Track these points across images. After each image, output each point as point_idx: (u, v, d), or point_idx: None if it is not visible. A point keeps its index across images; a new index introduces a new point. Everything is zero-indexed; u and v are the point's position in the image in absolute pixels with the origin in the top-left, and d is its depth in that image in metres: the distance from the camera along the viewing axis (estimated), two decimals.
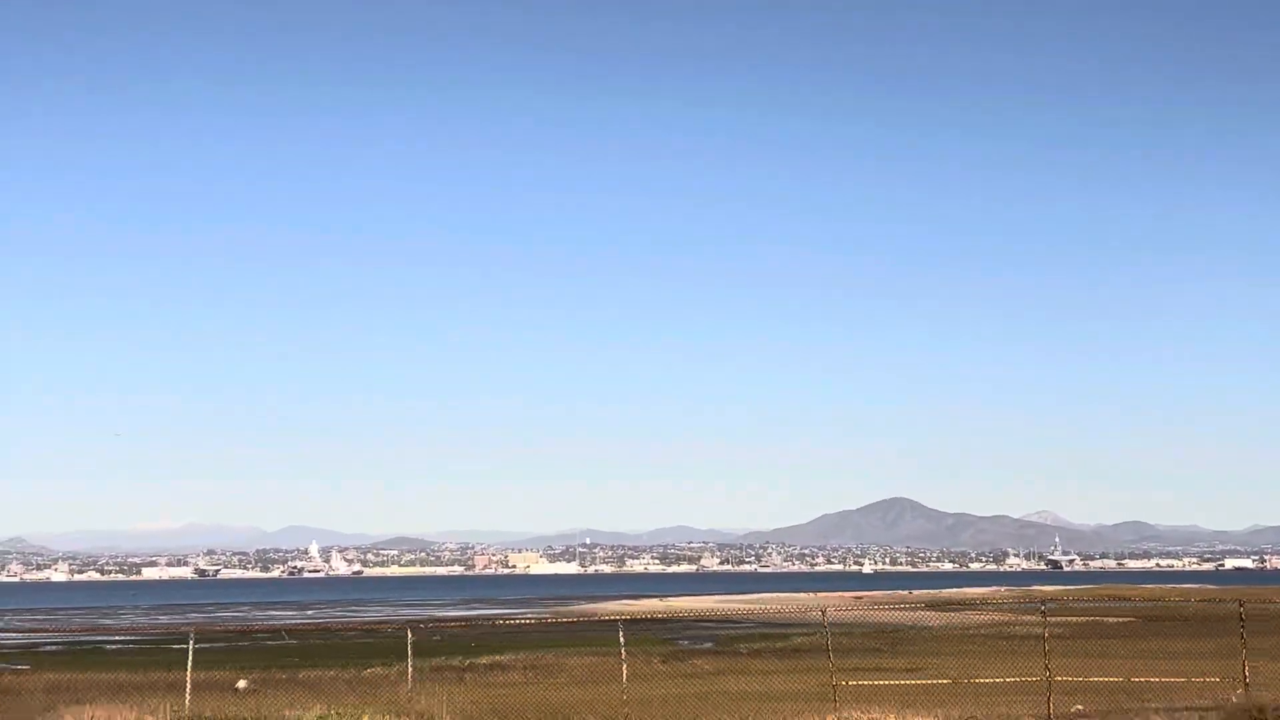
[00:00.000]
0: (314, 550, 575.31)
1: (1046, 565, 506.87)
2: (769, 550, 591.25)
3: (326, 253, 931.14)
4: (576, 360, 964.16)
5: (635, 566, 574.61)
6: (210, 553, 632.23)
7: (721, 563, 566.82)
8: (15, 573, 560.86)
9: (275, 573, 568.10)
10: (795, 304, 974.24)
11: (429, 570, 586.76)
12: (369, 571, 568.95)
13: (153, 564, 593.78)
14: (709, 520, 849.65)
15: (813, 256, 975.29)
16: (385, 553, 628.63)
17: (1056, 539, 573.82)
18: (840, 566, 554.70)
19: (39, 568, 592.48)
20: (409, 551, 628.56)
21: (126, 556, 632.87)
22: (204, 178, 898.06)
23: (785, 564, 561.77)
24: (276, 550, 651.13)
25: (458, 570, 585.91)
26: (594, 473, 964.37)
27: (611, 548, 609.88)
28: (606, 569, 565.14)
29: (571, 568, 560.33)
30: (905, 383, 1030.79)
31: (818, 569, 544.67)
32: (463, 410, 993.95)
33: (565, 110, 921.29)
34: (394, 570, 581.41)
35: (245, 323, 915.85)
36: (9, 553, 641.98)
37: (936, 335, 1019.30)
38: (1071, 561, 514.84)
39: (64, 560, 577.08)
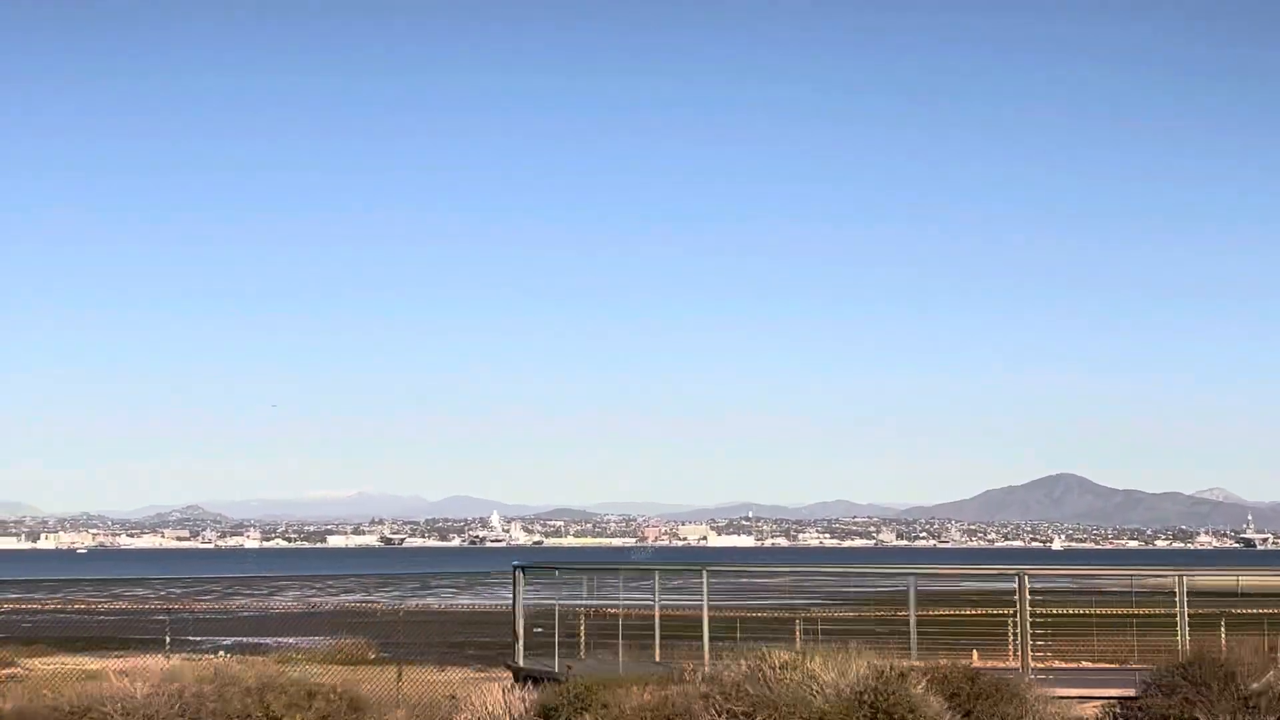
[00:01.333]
0: (495, 520, 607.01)
1: (1240, 544, 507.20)
2: (945, 525, 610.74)
3: (475, 233, 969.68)
4: (727, 336, 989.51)
5: (807, 540, 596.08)
6: (382, 521, 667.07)
7: (897, 538, 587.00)
8: (209, 539, 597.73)
9: (455, 541, 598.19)
10: (952, 275, 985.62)
11: (599, 541, 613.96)
12: (546, 542, 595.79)
13: (333, 532, 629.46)
14: (869, 495, 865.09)
15: (973, 227, 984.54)
16: (552, 523, 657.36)
17: (1249, 516, 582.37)
18: (1019, 543, 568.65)
19: (224, 535, 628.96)
20: (574, 523, 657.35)
21: (303, 524, 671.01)
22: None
23: (963, 540, 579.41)
24: (445, 520, 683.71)
25: (630, 542, 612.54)
26: (752, 447, 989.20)
27: (775, 521, 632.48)
28: (782, 542, 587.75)
29: (744, 540, 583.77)
30: (1069, 356, 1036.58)
31: (997, 545, 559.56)
32: (619, 383, 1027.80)
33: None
34: (568, 541, 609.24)
35: (399, 300, 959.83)
36: (190, 520, 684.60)
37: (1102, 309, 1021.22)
38: (1266, 540, 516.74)
39: (254, 527, 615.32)
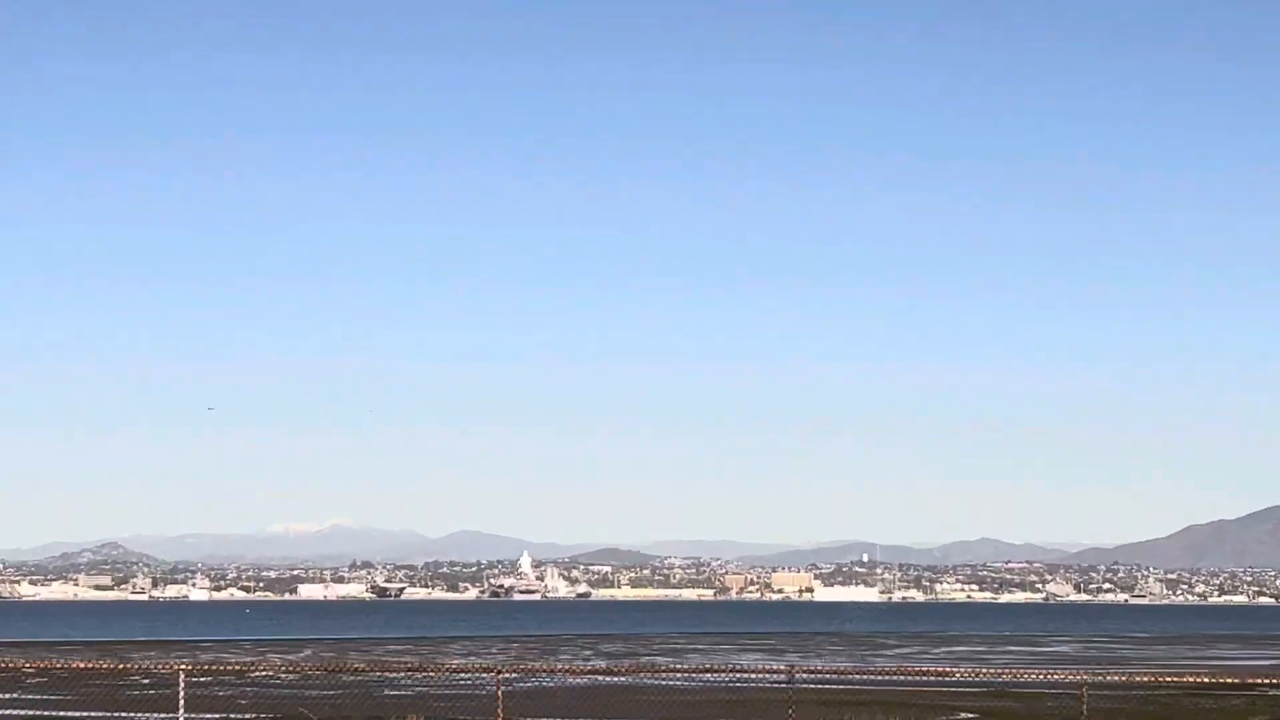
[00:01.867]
0: (526, 564, 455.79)
1: None
2: (1137, 574, 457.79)
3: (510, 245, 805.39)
4: (824, 320, 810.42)
5: (949, 593, 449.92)
6: (366, 565, 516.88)
7: (1075, 590, 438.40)
8: (140, 588, 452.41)
9: (469, 594, 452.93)
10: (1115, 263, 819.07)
11: (665, 594, 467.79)
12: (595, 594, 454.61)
13: (305, 579, 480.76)
14: (1023, 532, 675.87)
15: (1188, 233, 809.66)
16: (596, 568, 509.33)
17: None
18: (1240, 598, 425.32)
19: (159, 583, 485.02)
20: (626, 568, 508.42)
21: (259, 567, 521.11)
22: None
23: (1165, 593, 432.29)
24: (451, 563, 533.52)
25: (706, 595, 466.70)
26: (860, 469, 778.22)
27: (901, 568, 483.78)
28: (917, 596, 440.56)
29: (862, 593, 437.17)
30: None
31: (1211, 602, 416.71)
32: (674, 385, 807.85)
33: None
34: (623, 593, 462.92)
35: (383, 279, 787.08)
36: (107, 562, 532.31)
37: None
38: None
39: (201, 573, 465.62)
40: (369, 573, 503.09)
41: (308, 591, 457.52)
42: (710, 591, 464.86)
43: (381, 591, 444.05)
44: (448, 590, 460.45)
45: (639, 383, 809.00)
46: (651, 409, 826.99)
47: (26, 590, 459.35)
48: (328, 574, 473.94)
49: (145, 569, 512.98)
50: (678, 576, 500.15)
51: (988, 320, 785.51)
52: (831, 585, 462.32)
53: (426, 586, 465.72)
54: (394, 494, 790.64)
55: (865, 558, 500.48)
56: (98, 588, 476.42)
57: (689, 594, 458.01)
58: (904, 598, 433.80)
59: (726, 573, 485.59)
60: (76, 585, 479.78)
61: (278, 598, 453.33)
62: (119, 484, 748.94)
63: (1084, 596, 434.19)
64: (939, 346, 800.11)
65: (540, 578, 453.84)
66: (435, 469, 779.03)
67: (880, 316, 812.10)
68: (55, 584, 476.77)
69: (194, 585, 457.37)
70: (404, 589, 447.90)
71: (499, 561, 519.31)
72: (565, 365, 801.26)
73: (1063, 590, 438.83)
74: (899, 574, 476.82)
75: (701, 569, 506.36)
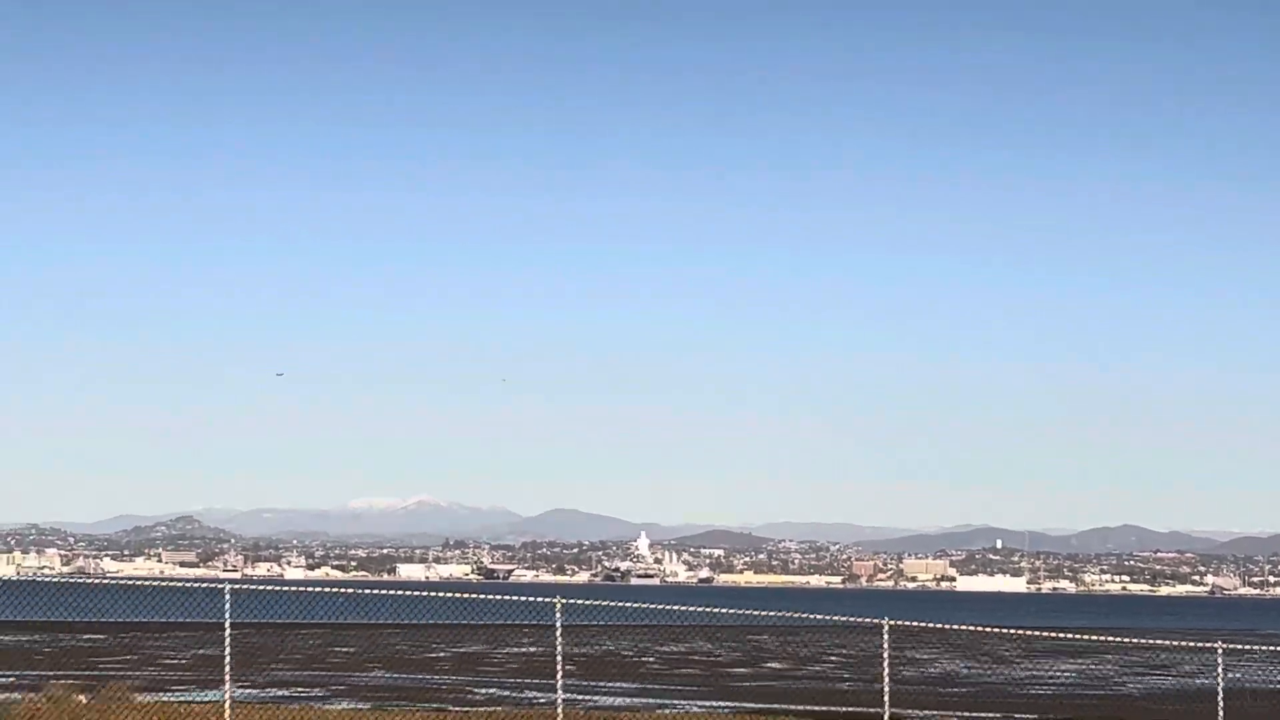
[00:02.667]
0: (643, 546, 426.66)
1: None
2: None
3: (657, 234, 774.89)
4: (941, 286, 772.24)
5: (1100, 584, 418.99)
6: (460, 544, 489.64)
7: (1242, 583, 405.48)
8: (233, 565, 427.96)
9: (578, 576, 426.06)
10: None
11: (786, 579, 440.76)
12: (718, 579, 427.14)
13: (399, 558, 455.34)
14: (1169, 518, 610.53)
15: None
16: (708, 551, 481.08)
17: None
18: None
19: (250, 560, 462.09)
20: (738, 551, 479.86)
21: (347, 546, 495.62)
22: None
23: None
24: (551, 543, 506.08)
25: (834, 581, 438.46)
26: (985, 447, 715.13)
27: (1038, 556, 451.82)
28: (1068, 587, 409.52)
29: (1005, 582, 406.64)
30: None
31: None
32: (775, 356, 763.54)
33: None
34: (745, 578, 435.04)
35: (492, 269, 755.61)
36: (183, 537, 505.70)
37: None
38: None
39: (297, 551, 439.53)
40: (464, 552, 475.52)
41: (407, 571, 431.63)
42: (837, 578, 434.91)
43: (489, 573, 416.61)
44: (555, 573, 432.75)
45: (741, 362, 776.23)
46: (757, 388, 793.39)
47: (109, 566, 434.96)
48: (422, 552, 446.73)
49: (224, 544, 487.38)
50: (797, 562, 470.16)
51: (1128, 307, 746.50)
52: (968, 573, 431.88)
53: (532, 569, 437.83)
54: (484, 470, 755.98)
55: (999, 544, 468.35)
56: (183, 564, 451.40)
57: (816, 580, 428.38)
58: (1054, 588, 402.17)
59: (851, 558, 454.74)
60: (160, 561, 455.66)
61: (375, 577, 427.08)
62: (189, 455, 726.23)
63: (1250, 590, 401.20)
64: (1072, 335, 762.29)
65: (658, 561, 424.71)
66: (528, 444, 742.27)
67: (1011, 302, 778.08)
68: (139, 560, 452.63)
69: (288, 563, 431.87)
70: (512, 571, 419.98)
71: (602, 542, 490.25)
72: (658, 341, 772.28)
73: (1228, 583, 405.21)
74: (1036, 562, 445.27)
75: (820, 554, 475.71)
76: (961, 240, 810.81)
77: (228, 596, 24.92)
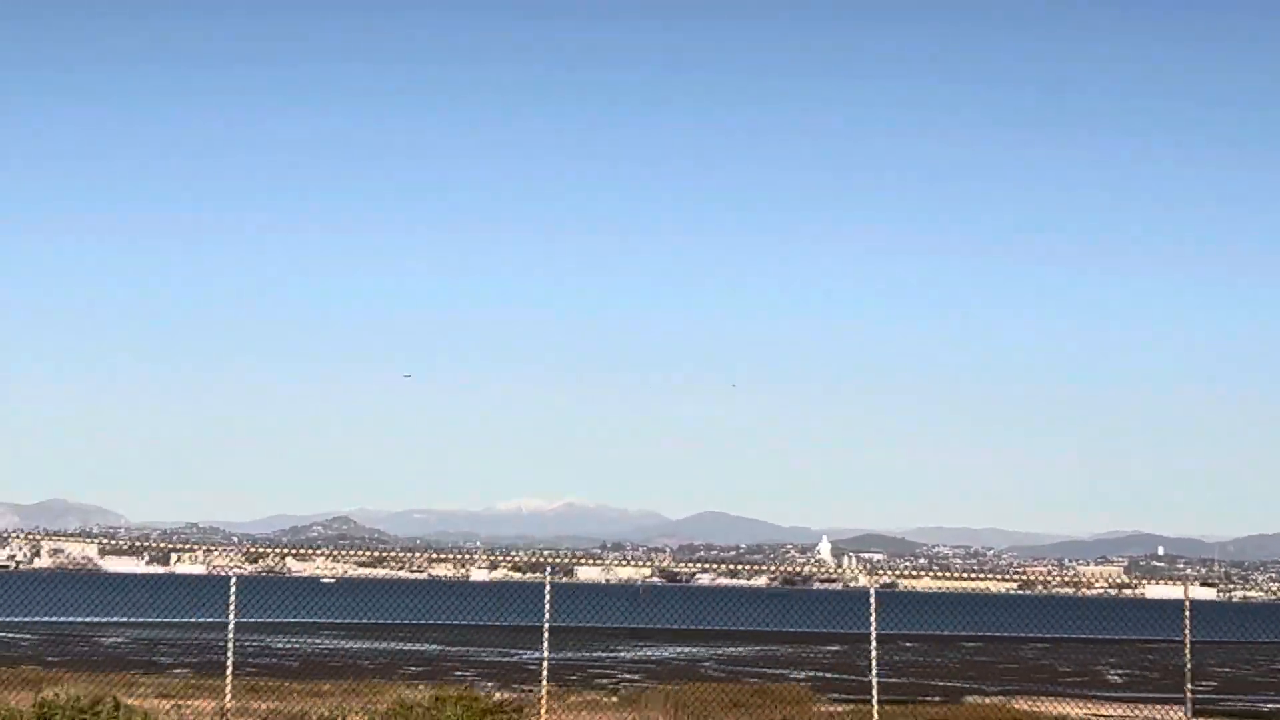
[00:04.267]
0: (825, 550, 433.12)
1: None
2: None
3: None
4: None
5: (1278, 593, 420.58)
6: (617, 546, 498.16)
7: None
8: (420, 565, 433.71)
9: (757, 581, 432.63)
10: None
11: (960, 585, 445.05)
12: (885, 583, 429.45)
13: (584, 560, 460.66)
14: None
15: None
16: (868, 555, 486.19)
17: None
18: None
19: (433, 560, 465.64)
20: (898, 555, 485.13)
21: (509, 548, 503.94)
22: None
23: None
24: (704, 545, 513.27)
25: (1011, 588, 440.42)
26: (1133, 456, 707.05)
27: (1203, 563, 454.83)
28: (1258, 596, 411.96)
29: (1201, 592, 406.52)
30: None
31: None
32: (920, 343, 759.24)
33: None
34: (923, 584, 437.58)
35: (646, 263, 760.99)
36: (344, 537, 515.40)
37: None
38: None
39: (476, 550, 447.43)
40: (623, 555, 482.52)
41: (585, 574, 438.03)
42: (1012, 584, 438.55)
43: (672, 576, 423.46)
44: (728, 576, 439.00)
45: (892, 362, 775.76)
46: (909, 392, 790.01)
47: (293, 565, 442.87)
48: (608, 557, 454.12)
49: (379, 544, 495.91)
50: (958, 566, 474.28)
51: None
52: (1146, 581, 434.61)
53: (706, 572, 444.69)
54: (628, 471, 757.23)
55: (1161, 550, 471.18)
56: (360, 564, 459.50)
57: (996, 586, 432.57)
58: (1244, 597, 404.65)
59: (1012, 563, 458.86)
60: (335, 562, 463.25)
61: (554, 580, 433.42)
62: (341, 456, 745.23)
63: None
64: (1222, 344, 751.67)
65: (839, 564, 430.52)
66: (676, 446, 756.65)
67: (1166, 312, 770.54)
68: (319, 559, 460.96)
69: (474, 565, 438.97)
70: (694, 575, 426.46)
71: (758, 545, 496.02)
72: (805, 347, 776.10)
73: None
74: (1203, 570, 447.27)
75: (978, 558, 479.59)
76: (1125, 252, 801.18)
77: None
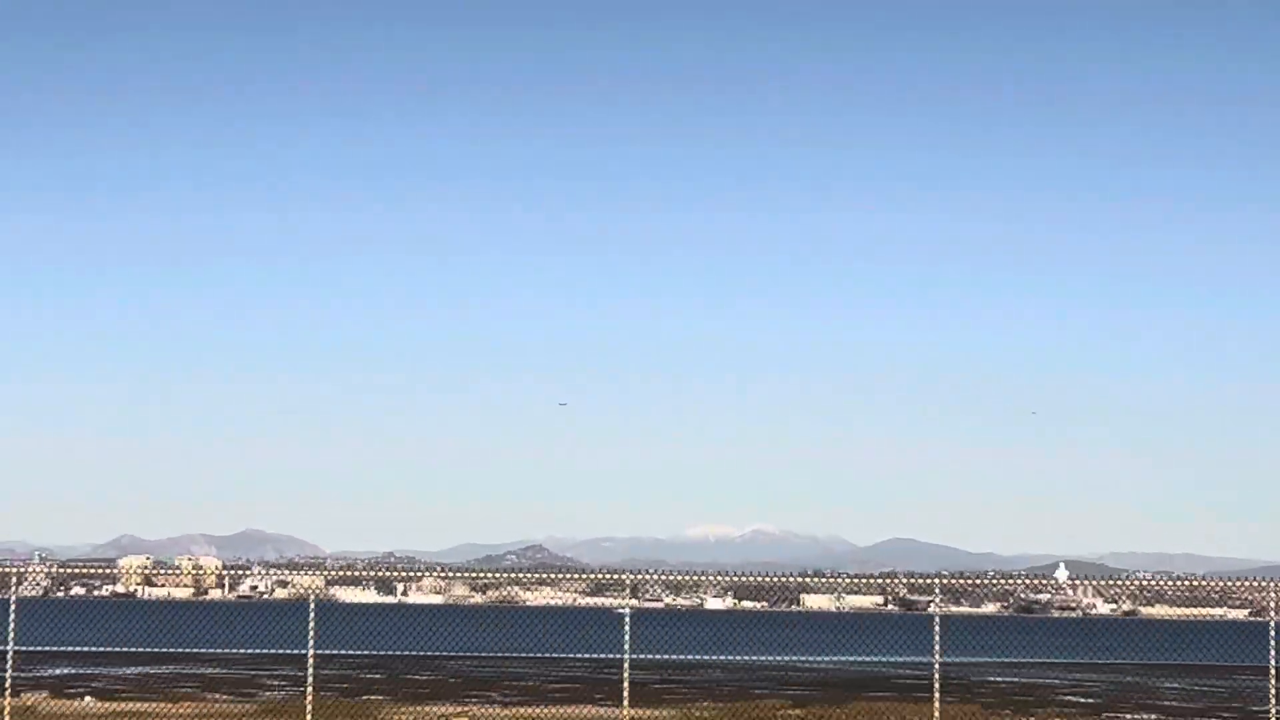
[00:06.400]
0: (1062, 576, 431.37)
1: None
2: None
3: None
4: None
5: None
6: (819, 574, 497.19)
7: None
8: (654, 594, 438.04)
9: (986, 608, 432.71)
10: None
11: (1191, 612, 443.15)
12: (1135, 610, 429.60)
13: (806, 587, 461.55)
14: None
15: None
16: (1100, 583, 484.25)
17: None
18: None
19: (677, 592, 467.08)
20: (1098, 579, 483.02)
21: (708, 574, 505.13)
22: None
23: None
24: (892, 571, 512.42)
25: (1241, 615, 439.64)
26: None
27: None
28: None
29: None
30: None
31: None
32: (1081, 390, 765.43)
33: None
34: (1160, 611, 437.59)
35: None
36: (537, 565, 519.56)
37: None
38: None
39: (704, 576, 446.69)
40: (824, 581, 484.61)
41: (812, 602, 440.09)
42: (1243, 611, 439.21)
43: (908, 604, 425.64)
44: (953, 604, 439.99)
45: (1070, 390, 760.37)
46: (1084, 409, 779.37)
47: (521, 594, 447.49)
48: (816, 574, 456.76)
49: (573, 573, 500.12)
50: (1169, 593, 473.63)
51: None
52: None
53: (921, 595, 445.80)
54: (818, 499, 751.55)
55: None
56: (580, 593, 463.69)
57: (1234, 614, 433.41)
58: None
59: (1253, 589, 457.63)
60: (563, 590, 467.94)
61: (774, 609, 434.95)
62: (531, 484, 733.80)
63: None
64: None
65: (1073, 585, 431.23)
66: (861, 473, 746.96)
67: None
68: (544, 589, 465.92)
69: (705, 593, 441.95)
70: (931, 602, 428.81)
71: (963, 570, 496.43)
72: (991, 370, 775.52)
73: None
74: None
75: (1190, 584, 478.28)
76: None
77: None
